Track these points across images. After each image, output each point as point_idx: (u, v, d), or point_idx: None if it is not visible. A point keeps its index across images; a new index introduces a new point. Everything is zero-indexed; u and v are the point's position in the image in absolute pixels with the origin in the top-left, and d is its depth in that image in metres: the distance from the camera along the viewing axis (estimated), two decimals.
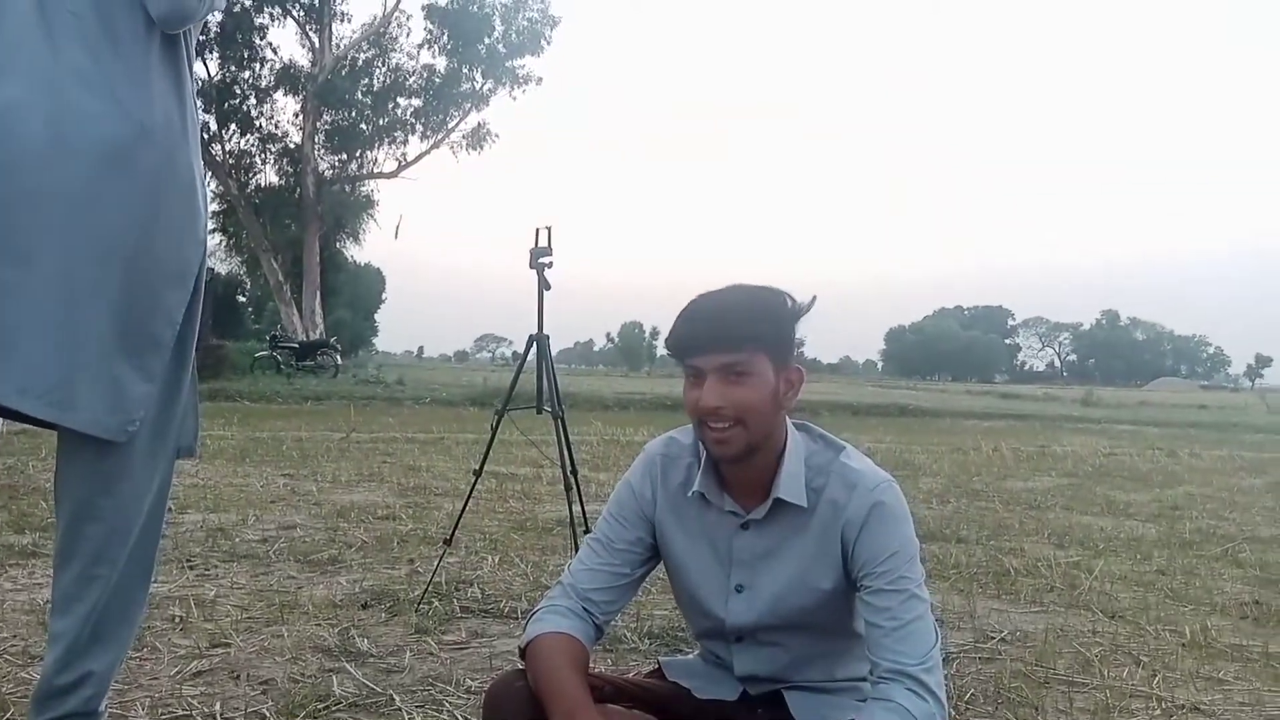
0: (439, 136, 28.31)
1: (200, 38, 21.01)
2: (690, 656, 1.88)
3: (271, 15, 26.19)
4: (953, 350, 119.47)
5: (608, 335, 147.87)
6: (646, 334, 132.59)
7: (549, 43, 27.37)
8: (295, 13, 26.52)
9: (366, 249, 37.85)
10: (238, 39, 25.83)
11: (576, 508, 3.20)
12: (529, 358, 3.27)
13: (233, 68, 26.49)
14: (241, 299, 44.86)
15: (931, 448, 10.56)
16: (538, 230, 3.24)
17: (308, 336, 24.64)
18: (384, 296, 61.02)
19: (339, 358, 22.69)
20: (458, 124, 28.24)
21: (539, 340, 3.23)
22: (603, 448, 9.06)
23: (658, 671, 1.84)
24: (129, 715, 2.11)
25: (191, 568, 3.54)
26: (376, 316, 60.35)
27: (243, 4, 25.18)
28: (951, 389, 48.01)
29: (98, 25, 1.59)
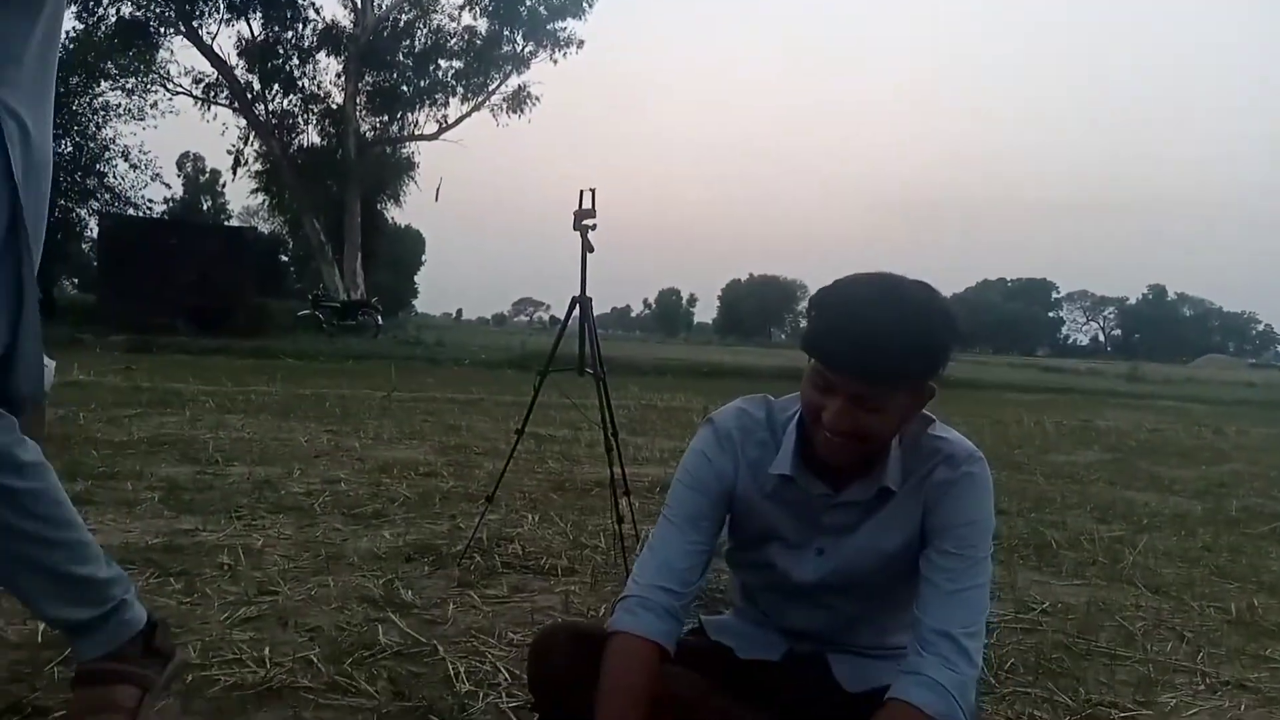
0: (479, 99, 28.28)
1: None
2: (728, 615, 1.88)
3: None
4: (994, 322, 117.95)
5: (645, 301, 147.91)
6: (684, 301, 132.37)
7: (590, 5, 27.13)
8: None
9: (407, 211, 38.11)
10: None
11: (616, 469, 3.21)
12: (571, 320, 3.27)
13: (275, 28, 26.55)
14: (284, 258, 45.41)
15: (971, 419, 10.46)
16: (581, 192, 3.23)
17: (349, 297, 24.86)
18: (423, 259, 61.40)
19: (379, 318, 22.87)
20: (498, 86, 28.17)
21: (581, 302, 3.23)
22: (640, 412, 9.08)
23: (698, 629, 1.85)
24: (185, 656, 2.16)
25: (239, 518, 3.61)
26: (416, 278, 60.79)
27: None
28: (992, 361, 47.42)
29: None
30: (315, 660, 2.17)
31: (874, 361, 1.35)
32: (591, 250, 3.30)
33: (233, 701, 1.95)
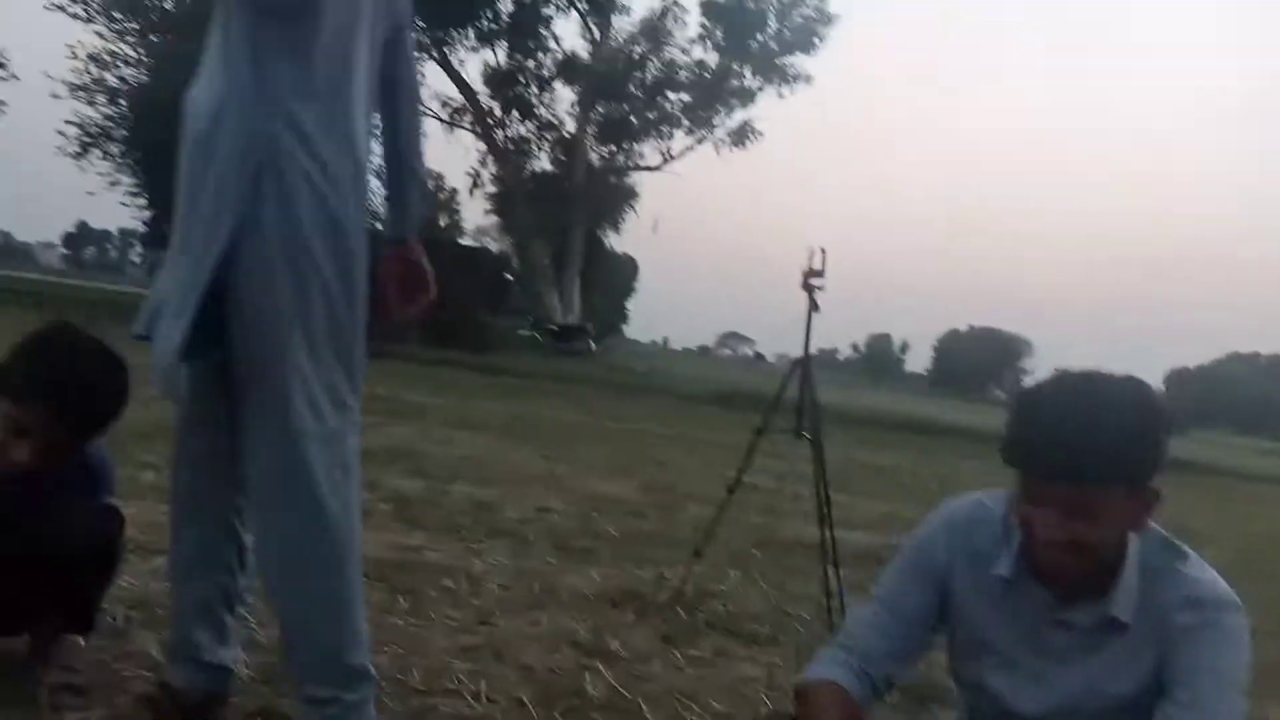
0: (704, 132, 28.82)
1: (492, 26, 22.29)
2: None
3: (557, 6, 27.54)
4: (1239, 400, 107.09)
5: (853, 345, 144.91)
6: (895, 348, 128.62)
7: (822, 40, 27.08)
8: (580, 5, 27.77)
9: (624, 238, 39.24)
10: (524, 29, 27.35)
11: (829, 537, 3.15)
12: (791, 379, 3.25)
13: (519, 56, 28.14)
14: (509, 276, 47.88)
15: (1211, 512, 9.53)
16: (811, 251, 3.21)
17: (566, 320, 25.86)
18: (636, 285, 62.91)
19: (592, 343, 23.65)
20: (724, 120, 28.59)
21: (804, 364, 3.21)
22: (845, 467, 8.86)
23: None
24: (407, 680, 2.30)
25: (461, 539, 3.82)
26: (628, 304, 62.36)
27: None
28: (1236, 444, 43.05)
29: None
30: (526, 702, 2.25)
31: (1075, 459, 1.27)
32: (818, 310, 3.28)
33: None
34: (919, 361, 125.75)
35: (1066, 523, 1.32)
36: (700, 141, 29.02)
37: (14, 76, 25.24)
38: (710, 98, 28.26)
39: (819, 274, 3.18)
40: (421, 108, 2.06)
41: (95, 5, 24.01)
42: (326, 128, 1.66)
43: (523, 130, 29.50)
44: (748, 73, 27.90)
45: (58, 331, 1.86)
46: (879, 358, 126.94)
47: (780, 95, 28.12)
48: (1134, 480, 1.32)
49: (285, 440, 1.64)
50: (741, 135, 28.62)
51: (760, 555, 4.40)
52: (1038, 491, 1.34)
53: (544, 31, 27.81)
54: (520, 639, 2.72)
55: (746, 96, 28.24)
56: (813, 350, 3.28)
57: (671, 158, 29.30)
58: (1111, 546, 1.38)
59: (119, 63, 24.36)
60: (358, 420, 1.77)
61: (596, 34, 28.19)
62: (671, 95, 28.64)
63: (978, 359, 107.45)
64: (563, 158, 29.63)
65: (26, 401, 1.74)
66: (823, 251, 3.19)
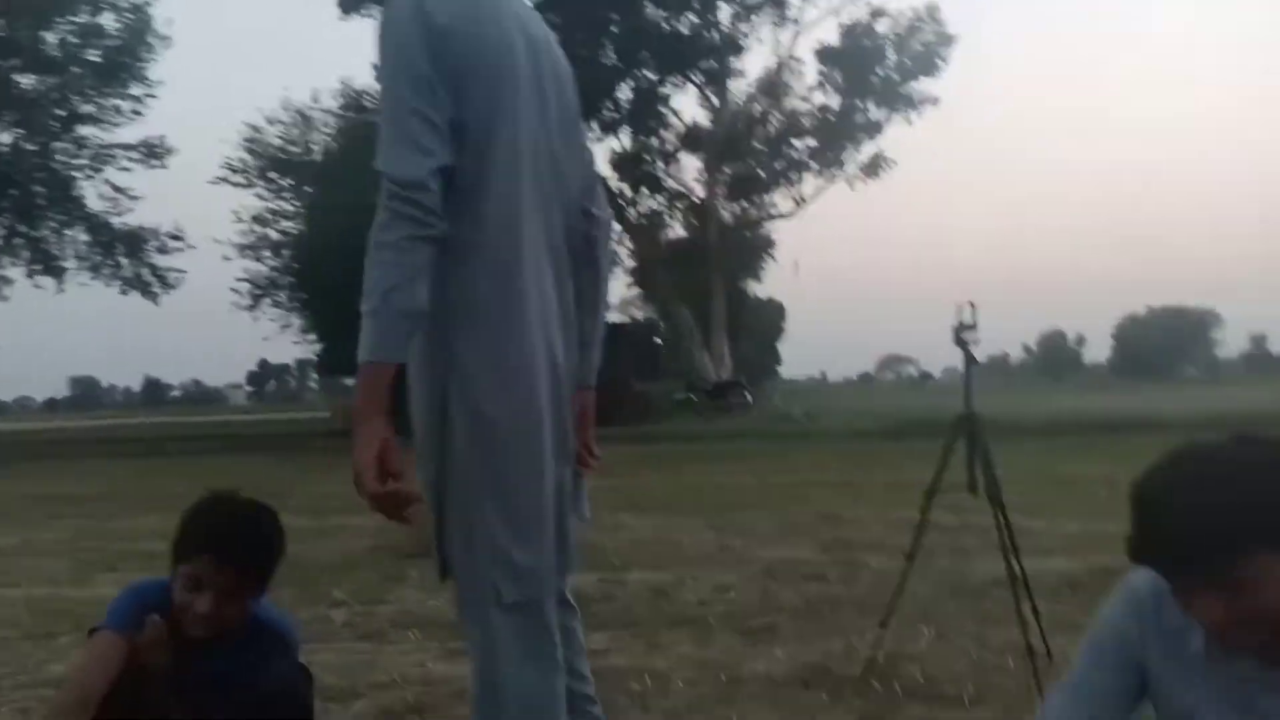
0: (834, 171, 28.54)
1: (614, 115, 22.96)
2: None
3: (674, 84, 28.10)
4: None
5: (1024, 346, 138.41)
6: (1070, 341, 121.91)
7: (945, 62, 26.51)
8: (695, 78, 28.21)
9: (767, 284, 39.17)
10: (645, 111, 27.98)
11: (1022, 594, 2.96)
12: (956, 439, 3.11)
13: (641, 137, 28.82)
14: (657, 341, 48.50)
15: None
16: (959, 307, 3.10)
17: (718, 377, 25.89)
18: (785, 326, 62.47)
19: (749, 395, 23.53)
20: (853, 156, 28.25)
21: (969, 420, 3.07)
22: (1034, 484, 8.37)
23: None
24: None
25: (641, 635, 3.80)
26: (779, 346, 61.93)
27: (648, 78, 27.25)
28: None
29: None
30: None
31: (1171, 544, 1.25)
32: (975, 363, 3.17)
33: None
34: (1099, 352, 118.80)
35: (1223, 602, 1.23)
36: (831, 181, 28.77)
37: (190, 246, 27.79)
38: (836, 137, 28.00)
39: (971, 328, 3.08)
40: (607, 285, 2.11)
41: (254, 171, 26.31)
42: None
43: (653, 204, 30.08)
44: (871, 106, 27.54)
45: (215, 497, 2.06)
46: (1054, 355, 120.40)
47: (909, 122, 27.59)
48: (1273, 543, 1.21)
49: None
50: (874, 167, 28.14)
51: (953, 605, 4.18)
52: (1180, 585, 1.29)
53: (664, 109, 28.35)
54: None
55: (873, 129, 27.86)
56: (981, 358, 3.18)
57: (804, 201, 29.13)
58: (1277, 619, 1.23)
59: (279, 218, 26.49)
60: None
61: (715, 101, 28.51)
62: (796, 143, 28.55)
63: (1162, 340, 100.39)
64: (695, 222, 29.99)
65: (195, 557, 1.93)
66: (972, 305, 3.08)
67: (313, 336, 27.32)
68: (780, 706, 2.90)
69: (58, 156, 26.70)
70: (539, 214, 1.79)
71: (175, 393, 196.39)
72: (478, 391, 1.71)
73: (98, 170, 26.95)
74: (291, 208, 26.79)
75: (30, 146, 26.31)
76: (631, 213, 28.96)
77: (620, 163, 28.39)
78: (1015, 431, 16.07)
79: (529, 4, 1.88)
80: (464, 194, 1.68)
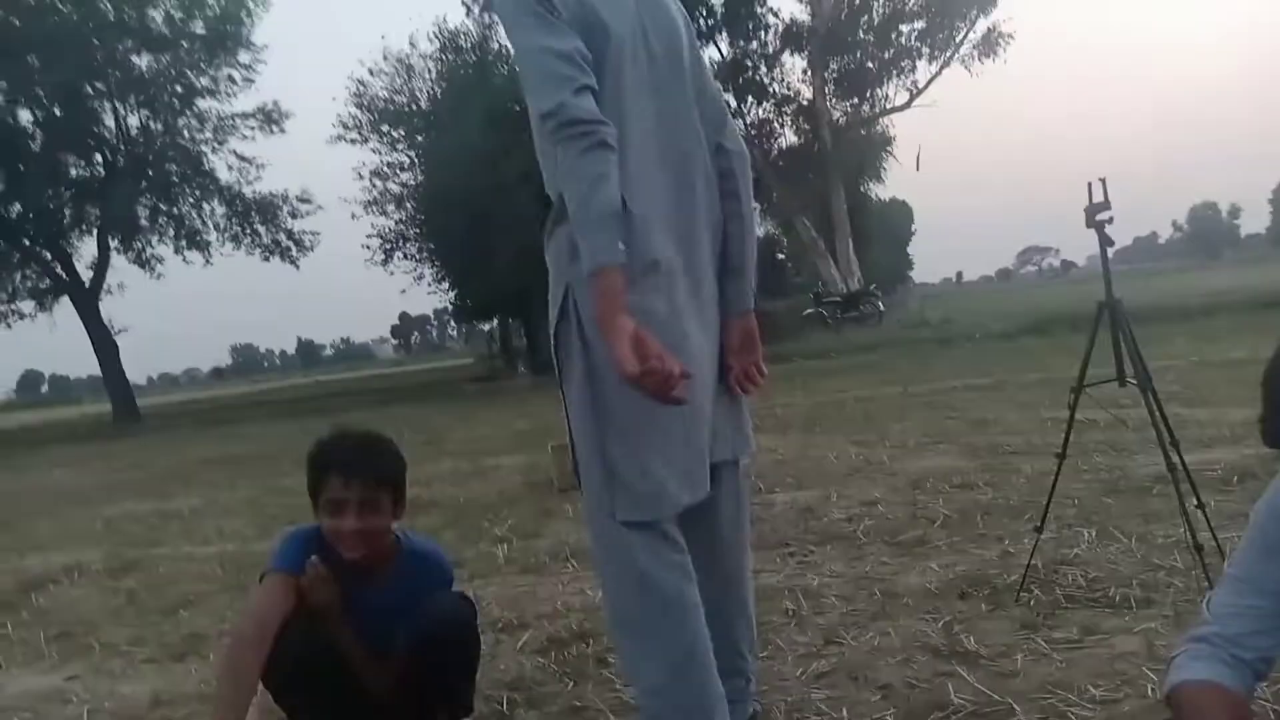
0: (948, 54, 27.10)
1: (709, 21, 22.42)
2: None
3: None
4: None
5: (1174, 224, 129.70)
6: (1224, 214, 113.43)
7: None
8: None
9: (890, 185, 37.72)
10: (741, 13, 27.15)
11: (1186, 488, 2.84)
12: (1099, 329, 2.97)
13: (741, 42, 27.98)
14: (780, 256, 47.70)
15: None
16: (1090, 185, 2.93)
17: (848, 287, 25.35)
18: (914, 228, 60.51)
19: (880, 304, 22.98)
20: (965, 35, 26.72)
21: (1111, 305, 2.93)
22: (1193, 373, 7.95)
23: None
24: (770, 716, 2.36)
25: (791, 555, 3.85)
26: (909, 249, 60.11)
27: None
28: None
29: None
30: None
31: None
32: (1112, 244, 3.00)
33: None
34: (1257, 222, 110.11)
35: None
36: (946, 65, 27.32)
37: (319, 207, 28.94)
38: (946, 16, 26.47)
39: (1104, 207, 2.91)
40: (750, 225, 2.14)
41: (366, 127, 26.98)
42: None
43: (761, 112, 29.31)
44: None
45: (327, 434, 2.19)
46: (1207, 230, 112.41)
47: None
48: None
49: None
50: (989, 44, 26.53)
51: (1114, 504, 4.05)
52: None
53: (760, 8, 27.41)
54: (872, 654, 2.69)
55: (985, 2, 26.15)
56: (1127, 240, 3.03)
57: (919, 90, 27.82)
58: None
59: (396, 170, 27.16)
60: None
61: None
62: (904, 27, 27.14)
63: None
64: (806, 126, 29.08)
65: (326, 483, 2.07)
66: (1103, 182, 2.90)
67: (445, 285, 28.11)
68: (937, 618, 2.90)
69: (184, 133, 28.06)
70: (652, 143, 1.88)
71: (327, 351, 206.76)
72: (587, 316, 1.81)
73: (222, 142, 28.23)
74: (406, 159, 27.40)
75: (157, 126, 27.70)
76: (739, 124, 28.32)
77: (721, 72, 27.71)
78: (1170, 315, 15.21)
79: None
80: None
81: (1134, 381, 2.90)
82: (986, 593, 3.09)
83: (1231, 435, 5.18)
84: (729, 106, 2.31)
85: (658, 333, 1.73)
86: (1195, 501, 2.95)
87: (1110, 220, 2.92)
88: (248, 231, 28.97)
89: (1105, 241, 2.96)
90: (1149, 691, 2.21)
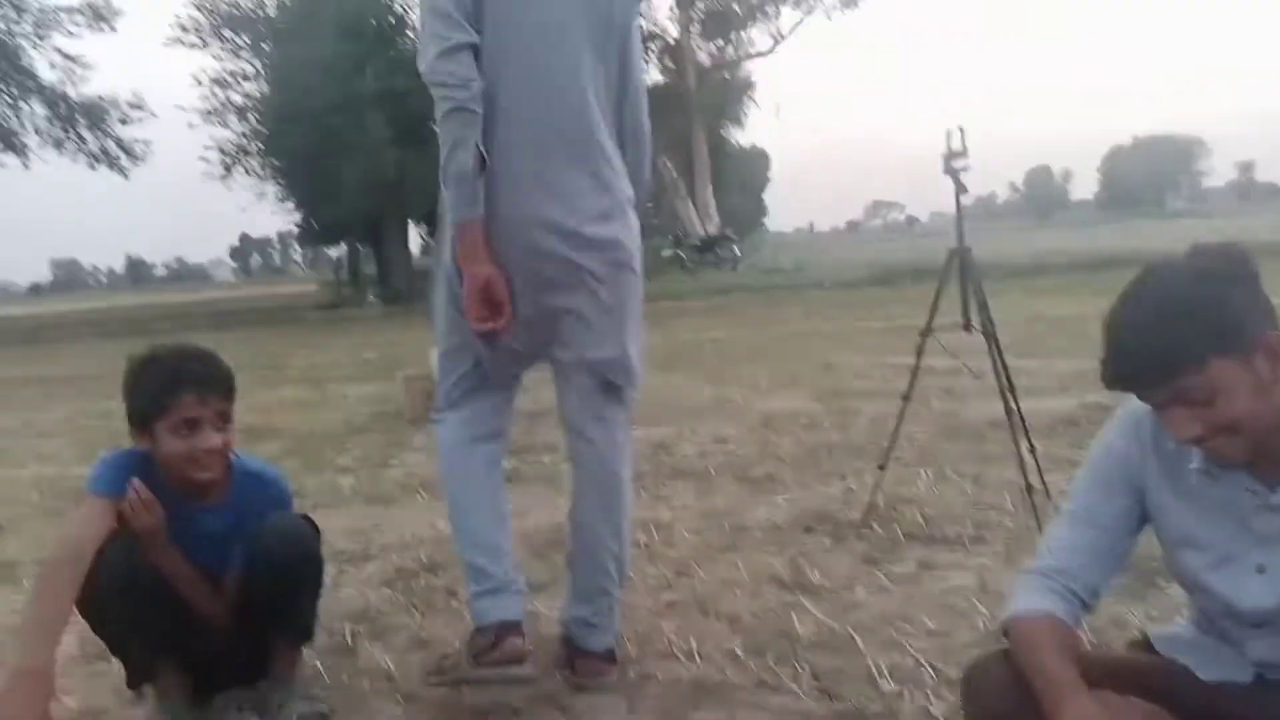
0: (811, 3, 27.48)
1: None
2: (1182, 626, 1.68)
3: None
4: None
5: (1011, 185, 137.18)
6: (1057, 177, 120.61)
7: None
8: None
9: (749, 131, 38.27)
10: None
11: (1022, 437, 3.00)
12: (950, 275, 3.07)
13: None
14: None
15: None
16: (948, 132, 3.01)
17: (705, 231, 25.63)
18: (770, 176, 61.51)
19: (737, 249, 23.37)
20: None
21: (961, 254, 3.03)
22: (1025, 326, 8.44)
23: (1143, 643, 1.68)
24: (620, 649, 2.35)
25: (644, 489, 3.87)
26: (764, 196, 61.15)
27: None
28: None
29: None
30: (739, 653, 2.27)
31: (1144, 364, 1.27)
32: (965, 191, 3.10)
33: (672, 700, 2.09)
34: (1086, 188, 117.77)
35: (1195, 415, 1.27)
36: (809, 13, 27.71)
37: (152, 114, 26.85)
38: None
39: (961, 154, 2.98)
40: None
41: (207, 31, 25.07)
42: None
43: None
44: None
45: (151, 353, 2.02)
46: (1041, 192, 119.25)
47: None
48: (1222, 349, 1.23)
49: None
50: None
51: (951, 447, 4.26)
52: (1148, 400, 1.32)
53: None
54: (721, 586, 2.74)
55: None
56: (968, 200, 3.13)
57: (782, 37, 28.15)
58: (1260, 414, 1.27)
59: (239, 80, 25.42)
60: None
61: None
62: None
63: (1149, 172, 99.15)
64: (671, 65, 28.99)
65: (175, 401, 1.91)
66: (961, 131, 2.98)
67: (290, 205, 26.73)
68: (784, 552, 2.97)
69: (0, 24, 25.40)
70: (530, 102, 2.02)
71: (159, 272, 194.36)
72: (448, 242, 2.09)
73: (43, 37, 25.62)
74: (251, 68, 25.66)
75: None
76: None
77: None
78: (1003, 272, 16.10)
79: None
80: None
81: (979, 328, 3.02)
82: (830, 528, 3.20)
83: (1059, 385, 5.52)
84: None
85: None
86: (1028, 445, 3.12)
87: (966, 168, 3.01)
88: (72, 136, 26.63)
89: (960, 189, 3.05)
90: (981, 625, 2.33)
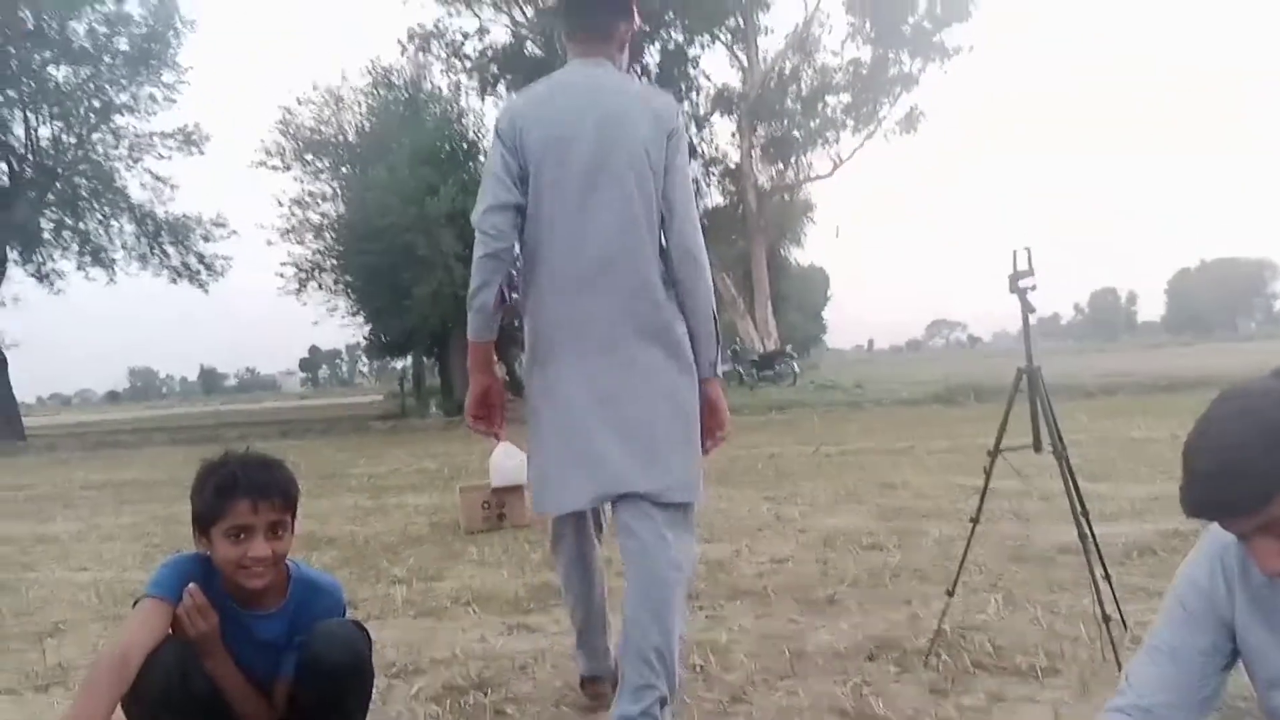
0: (871, 128, 28.01)
1: (642, 78, 22.95)
2: None
3: (702, 44, 27.76)
4: None
5: (1075, 306, 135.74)
6: (1123, 299, 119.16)
7: (976, 6, 25.79)
8: (723, 37, 27.84)
9: (809, 251, 38.64)
10: (674, 74, 27.74)
11: (1096, 563, 2.87)
12: (1018, 393, 3.00)
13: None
14: None
15: None
16: (1015, 252, 2.99)
17: (764, 347, 25.68)
18: (829, 295, 61.89)
19: (796, 365, 23.33)
20: (889, 111, 27.71)
21: (1030, 373, 2.97)
22: (1095, 448, 8.20)
23: None
24: None
25: (700, 608, 3.77)
26: (824, 315, 61.42)
27: (675, 40, 27.01)
28: None
29: None
30: None
31: (1229, 492, 1.21)
32: (1033, 311, 3.05)
33: None
34: (1153, 310, 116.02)
35: (1270, 544, 1.22)
36: (869, 137, 28.23)
37: (234, 233, 28.15)
38: (871, 92, 27.37)
39: (1027, 274, 2.96)
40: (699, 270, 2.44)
41: (289, 154, 26.46)
42: None
43: (689, 171, 29.72)
44: (905, 57, 26.90)
45: (217, 459, 2.05)
46: (1106, 313, 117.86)
47: (944, 72, 26.97)
48: None
49: None
50: (910, 120, 27.53)
51: (1020, 572, 4.09)
52: (1232, 529, 1.26)
53: (693, 71, 28.02)
54: (779, 714, 2.62)
55: (908, 81, 27.21)
56: (1031, 320, 3.06)
57: (842, 161, 28.65)
58: None
59: (318, 200, 26.63)
60: None
61: (745, 60, 28.09)
62: (830, 99, 27.97)
63: (1218, 295, 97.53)
64: (732, 188, 29.65)
65: (230, 508, 1.93)
66: (1027, 250, 2.96)
67: (360, 319, 27.53)
68: (846, 680, 2.84)
69: (97, 148, 27.00)
70: (573, 257, 2.38)
71: (230, 381, 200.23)
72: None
73: (137, 160, 27.20)
74: (329, 189, 26.91)
75: (69, 139, 26.62)
76: None
77: None
78: (1071, 393, 15.77)
79: (627, 87, 2.48)
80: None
81: (1050, 449, 2.93)
82: (895, 655, 3.06)
83: (1132, 510, 5.31)
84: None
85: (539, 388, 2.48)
86: (1103, 572, 2.98)
87: (1034, 288, 2.98)
88: (156, 252, 27.98)
89: (1027, 308, 3.01)
90: None
